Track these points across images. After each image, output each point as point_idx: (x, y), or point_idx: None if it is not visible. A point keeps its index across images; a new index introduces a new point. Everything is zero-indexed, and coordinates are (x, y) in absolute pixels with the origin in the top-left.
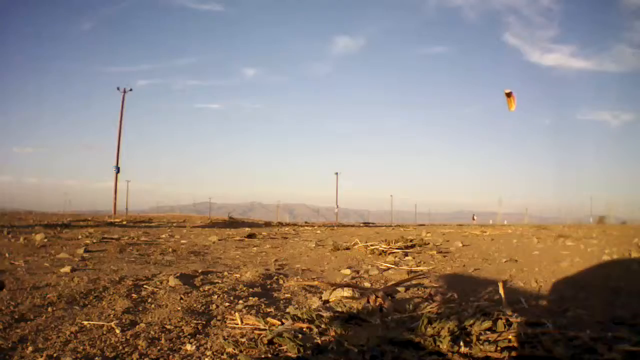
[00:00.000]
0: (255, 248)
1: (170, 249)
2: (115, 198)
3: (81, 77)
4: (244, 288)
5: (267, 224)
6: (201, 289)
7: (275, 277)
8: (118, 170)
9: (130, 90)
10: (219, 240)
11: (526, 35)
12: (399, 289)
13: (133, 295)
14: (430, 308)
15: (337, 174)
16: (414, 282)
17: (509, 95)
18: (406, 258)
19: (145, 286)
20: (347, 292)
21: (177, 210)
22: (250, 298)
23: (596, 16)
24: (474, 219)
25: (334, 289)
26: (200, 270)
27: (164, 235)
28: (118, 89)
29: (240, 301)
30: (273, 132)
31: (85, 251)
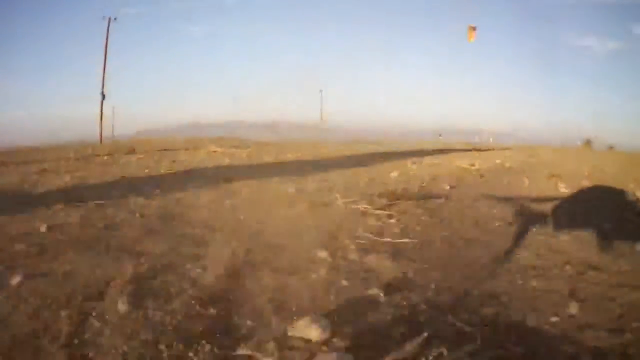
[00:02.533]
0: None
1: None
2: (102, 126)
3: (65, 3)
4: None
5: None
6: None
7: (246, 269)
8: (104, 96)
9: (115, 19)
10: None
11: None
12: (381, 298)
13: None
14: None
15: (321, 91)
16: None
17: (473, 29)
18: (390, 221)
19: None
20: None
21: (163, 133)
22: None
23: None
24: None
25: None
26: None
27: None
28: (103, 17)
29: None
30: (257, 52)
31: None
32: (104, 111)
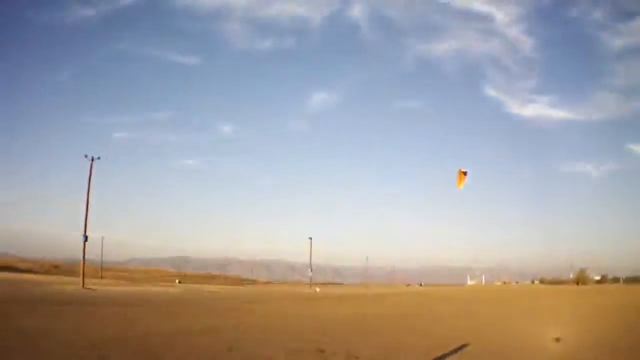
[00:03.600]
0: None
1: None
2: (84, 266)
3: (58, 126)
4: None
5: None
6: None
7: None
8: (86, 239)
9: (99, 158)
10: None
11: (506, 87)
12: None
13: None
14: None
15: (311, 238)
16: None
17: (464, 173)
18: None
19: None
20: None
21: (153, 264)
22: None
23: (576, 63)
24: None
25: None
26: None
27: None
28: (86, 156)
29: None
30: (249, 190)
31: None
32: (94, 238)
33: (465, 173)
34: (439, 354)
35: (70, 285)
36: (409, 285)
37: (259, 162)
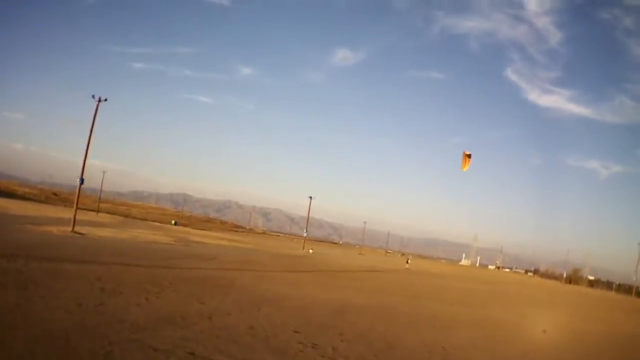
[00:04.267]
0: None
1: None
2: (76, 210)
3: (80, 52)
4: None
5: None
6: None
7: None
8: (82, 181)
9: (105, 100)
10: None
11: (527, 74)
12: None
13: None
14: None
15: (311, 198)
16: None
17: (468, 156)
18: None
19: None
20: None
21: (153, 199)
22: None
23: (601, 64)
24: (388, 253)
25: None
26: None
27: None
28: (93, 97)
29: None
30: (259, 134)
31: None
32: (97, 166)
33: (469, 156)
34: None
35: (59, 225)
36: (403, 255)
37: (274, 108)
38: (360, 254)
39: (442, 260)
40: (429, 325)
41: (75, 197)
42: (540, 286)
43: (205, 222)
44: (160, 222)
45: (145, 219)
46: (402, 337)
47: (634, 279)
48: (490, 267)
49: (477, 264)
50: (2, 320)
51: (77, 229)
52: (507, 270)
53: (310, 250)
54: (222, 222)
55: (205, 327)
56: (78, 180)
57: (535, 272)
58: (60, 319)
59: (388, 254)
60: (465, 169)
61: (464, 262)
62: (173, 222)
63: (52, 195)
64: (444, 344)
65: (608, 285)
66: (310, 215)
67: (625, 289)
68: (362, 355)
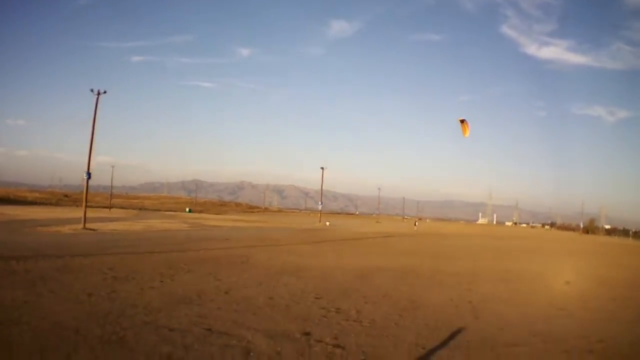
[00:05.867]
0: None
1: None
2: (86, 205)
3: (78, 51)
4: None
5: None
6: None
7: None
8: (89, 176)
9: (105, 92)
10: None
11: (524, 28)
12: None
13: None
14: None
15: (322, 169)
16: None
17: (462, 122)
18: None
19: None
20: None
21: (165, 190)
22: None
23: (595, 13)
24: (405, 219)
25: None
26: None
27: None
28: (92, 90)
29: None
30: (265, 113)
31: None
32: (105, 163)
33: (463, 121)
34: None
35: (70, 225)
36: (420, 219)
37: (277, 85)
38: (377, 222)
39: (460, 222)
40: (453, 282)
41: (84, 193)
42: (558, 238)
43: (220, 206)
44: (174, 211)
45: (158, 210)
46: (426, 295)
47: None
48: (507, 223)
49: (494, 222)
50: (9, 318)
51: (88, 225)
52: (524, 225)
53: (327, 223)
54: (237, 204)
55: (223, 302)
56: (85, 175)
57: (552, 225)
58: (70, 309)
59: (405, 220)
60: (467, 134)
61: (480, 220)
62: (187, 209)
63: (64, 197)
64: (470, 299)
65: (624, 232)
66: (324, 187)
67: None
68: (388, 314)
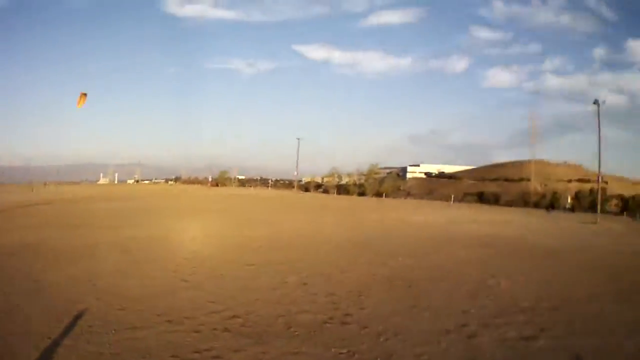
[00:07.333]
0: None
1: None
2: None
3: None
4: None
5: None
6: None
7: None
8: None
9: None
10: None
11: None
12: None
13: None
14: None
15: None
16: None
17: (85, 95)
18: None
19: None
20: None
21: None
22: None
23: None
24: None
25: None
26: None
27: None
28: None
29: None
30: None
31: None
32: None
33: (85, 94)
34: None
35: None
36: (45, 185)
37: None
38: None
39: (83, 183)
40: (81, 255)
41: None
42: (183, 194)
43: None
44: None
45: None
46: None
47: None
48: (129, 181)
49: (116, 181)
50: None
51: None
52: (147, 182)
53: None
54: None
55: None
56: None
57: (177, 179)
58: None
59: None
60: (80, 106)
61: (101, 181)
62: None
63: None
64: (90, 278)
65: (264, 182)
66: None
67: (286, 184)
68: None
